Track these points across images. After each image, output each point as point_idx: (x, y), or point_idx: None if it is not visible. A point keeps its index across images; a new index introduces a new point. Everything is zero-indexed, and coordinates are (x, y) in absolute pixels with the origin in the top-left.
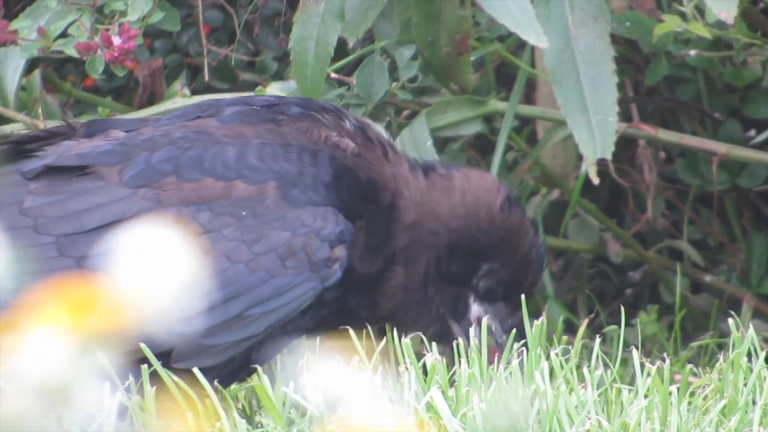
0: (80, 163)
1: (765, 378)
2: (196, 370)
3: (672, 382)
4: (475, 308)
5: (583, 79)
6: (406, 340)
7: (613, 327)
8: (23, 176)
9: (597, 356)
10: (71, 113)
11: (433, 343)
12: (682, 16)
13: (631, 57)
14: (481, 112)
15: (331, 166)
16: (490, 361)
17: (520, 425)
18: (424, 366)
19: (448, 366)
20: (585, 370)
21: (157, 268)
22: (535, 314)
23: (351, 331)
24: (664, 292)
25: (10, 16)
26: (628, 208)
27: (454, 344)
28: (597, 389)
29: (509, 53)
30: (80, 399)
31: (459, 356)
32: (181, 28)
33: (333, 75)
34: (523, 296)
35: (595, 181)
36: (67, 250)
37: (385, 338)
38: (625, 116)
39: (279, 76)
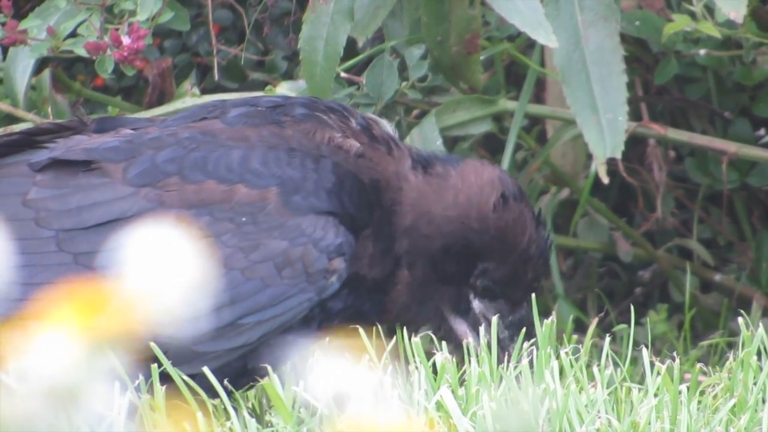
0: (86, 158)
1: None
2: (206, 369)
3: (682, 381)
4: (476, 305)
5: (593, 78)
6: (416, 339)
7: (623, 326)
8: (30, 167)
9: (607, 355)
10: (83, 113)
11: (443, 342)
12: (692, 15)
13: (640, 56)
14: (490, 112)
15: (334, 173)
16: (500, 360)
17: (530, 424)
18: (434, 365)
19: (458, 365)
20: (595, 369)
21: (153, 271)
22: (545, 313)
23: (361, 330)
24: (674, 291)
25: (20, 15)
26: (637, 207)
27: (464, 344)
28: (607, 388)
29: (519, 52)
30: (87, 398)
31: (469, 355)
32: (190, 28)
33: (342, 74)
34: (530, 294)
35: (605, 180)
36: (66, 246)
37: (395, 337)
38: (634, 115)
39: (288, 76)
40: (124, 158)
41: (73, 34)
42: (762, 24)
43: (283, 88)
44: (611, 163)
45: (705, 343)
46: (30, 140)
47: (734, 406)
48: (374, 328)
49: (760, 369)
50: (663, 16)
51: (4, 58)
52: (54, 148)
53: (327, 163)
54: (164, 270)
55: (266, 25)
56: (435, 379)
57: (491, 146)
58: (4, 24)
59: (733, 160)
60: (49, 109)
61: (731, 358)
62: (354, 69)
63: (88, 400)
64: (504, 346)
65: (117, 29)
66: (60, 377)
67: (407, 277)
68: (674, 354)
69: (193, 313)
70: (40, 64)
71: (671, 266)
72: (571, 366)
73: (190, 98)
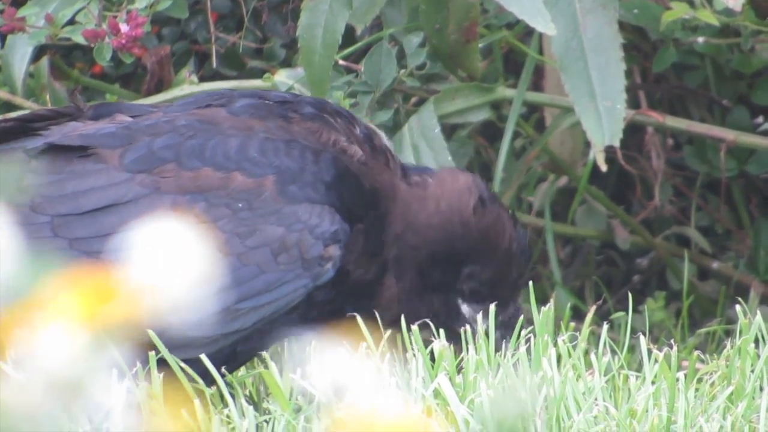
0: (82, 144)
1: None
2: (203, 357)
3: (679, 368)
4: (465, 309)
5: (591, 66)
6: (414, 327)
7: (621, 314)
8: (26, 153)
9: (604, 343)
10: (80, 99)
11: (441, 330)
12: (690, 3)
13: (639, 44)
14: (489, 99)
15: (334, 166)
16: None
17: (528, 412)
18: (432, 353)
19: (455, 353)
20: (592, 356)
21: (149, 257)
22: (542, 301)
23: (359, 318)
24: (672, 279)
25: (18, 3)
26: (635, 195)
27: (461, 331)
28: (604, 376)
29: (517, 40)
30: (84, 385)
31: (466, 343)
32: (189, 15)
33: (341, 62)
34: (517, 292)
35: (603, 168)
36: (61, 231)
37: None
38: (633, 103)
39: (287, 63)
40: (121, 144)
41: (72, 22)
42: (760, 12)
43: (282, 76)
44: (609, 150)
45: (702, 330)
46: (25, 126)
47: (732, 393)
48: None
49: (758, 356)
50: (661, 4)
51: (3, 46)
52: (49, 134)
53: (327, 156)
54: (160, 255)
55: (264, 12)
56: (432, 367)
57: (489, 134)
58: (2, 11)
59: (732, 147)
60: (48, 97)
61: (729, 346)
62: (352, 57)
63: (86, 386)
64: (498, 347)
65: (115, 17)
66: (55, 364)
67: (394, 287)
68: (672, 341)
69: (188, 298)
70: (39, 52)
71: (669, 254)
72: (569, 353)
73: (188, 86)
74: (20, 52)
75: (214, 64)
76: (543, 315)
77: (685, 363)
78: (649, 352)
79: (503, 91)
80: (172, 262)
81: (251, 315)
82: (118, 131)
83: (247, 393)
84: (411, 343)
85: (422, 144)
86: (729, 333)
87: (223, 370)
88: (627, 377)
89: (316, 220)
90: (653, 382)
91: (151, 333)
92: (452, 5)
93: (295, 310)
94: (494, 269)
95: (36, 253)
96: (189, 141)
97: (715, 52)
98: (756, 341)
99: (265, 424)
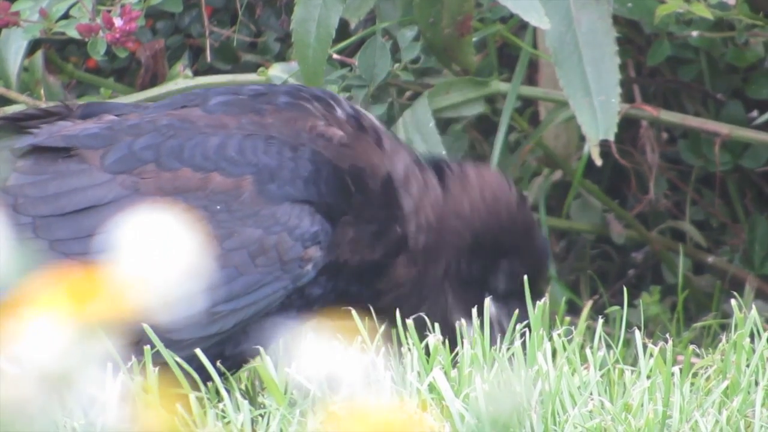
0: (65, 145)
1: None
2: (198, 351)
3: (674, 363)
4: (492, 310)
5: (585, 60)
6: (409, 321)
7: (616, 308)
8: (13, 153)
9: (600, 337)
10: (73, 94)
11: (436, 324)
12: None
13: (633, 38)
14: (483, 93)
15: (312, 161)
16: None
17: (523, 406)
18: (427, 347)
19: (450, 347)
20: (588, 350)
21: (127, 259)
22: (537, 295)
23: (354, 312)
24: (667, 273)
25: None
26: (630, 189)
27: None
28: (599, 370)
29: (511, 34)
30: (67, 384)
31: (461, 337)
32: (183, 9)
33: (335, 56)
34: (542, 294)
35: (598, 162)
36: (42, 232)
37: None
38: (627, 97)
39: (281, 57)
40: (103, 145)
41: (66, 16)
42: (754, 5)
43: (276, 70)
44: (604, 144)
45: (698, 324)
46: (15, 125)
47: (727, 388)
48: (367, 310)
49: (753, 351)
50: None
51: None
52: (38, 133)
53: (305, 151)
54: (138, 258)
55: (258, 6)
56: (428, 361)
57: (484, 128)
58: None
59: (726, 141)
60: (42, 91)
61: (724, 340)
62: (346, 51)
63: (66, 386)
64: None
65: (109, 11)
66: (37, 363)
67: (412, 271)
68: (667, 336)
69: (167, 300)
70: (33, 46)
71: (664, 248)
72: (564, 348)
73: (182, 80)
74: (14, 47)
75: (209, 58)
76: (538, 309)
77: (680, 357)
78: (645, 346)
79: (497, 85)
80: (150, 264)
81: (230, 318)
82: (101, 132)
83: (243, 387)
84: (406, 337)
85: (417, 138)
86: (724, 327)
87: (221, 368)
88: (622, 372)
89: (295, 221)
90: (648, 377)
91: (146, 327)
92: None
93: (290, 308)
94: (529, 266)
95: (17, 254)
96: (168, 141)
97: (709, 46)
98: (751, 336)
99: (260, 418)
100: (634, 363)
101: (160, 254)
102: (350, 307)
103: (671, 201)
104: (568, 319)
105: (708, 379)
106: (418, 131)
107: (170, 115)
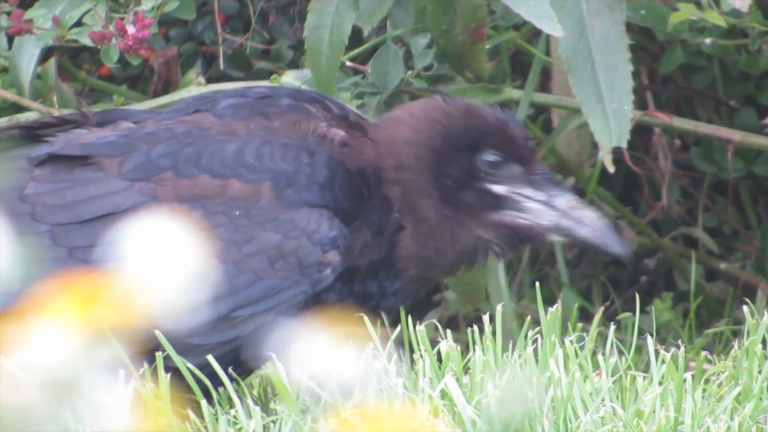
0: (82, 153)
1: None
2: (210, 357)
3: (686, 369)
4: (500, 189)
5: (598, 67)
6: (421, 327)
7: (628, 314)
8: (29, 162)
9: (612, 343)
10: (86, 101)
11: (448, 331)
12: (698, 4)
13: (646, 45)
14: (496, 100)
15: (327, 166)
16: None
17: (535, 412)
18: (439, 353)
19: (462, 353)
20: (600, 357)
21: (147, 265)
22: (550, 302)
23: (366, 319)
24: (679, 280)
25: (26, 5)
26: (643, 196)
27: (468, 331)
28: (612, 376)
29: (524, 42)
30: (80, 390)
31: (473, 344)
32: (196, 17)
33: (348, 63)
34: (533, 151)
35: (611, 169)
36: (61, 240)
37: (399, 325)
38: (640, 104)
39: (294, 65)
40: (120, 153)
41: (79, 24)
42: (767, 13)
43: (289, 77)
44: (617, 151)
45: (710, 331)
46: (31, 134)
47: (739, 394)
48: (378, 318)
49: (765, 357)
50: (669, 5)
51: (10, 48)
52: (54, 142)
53: (321, 156)
54: (158, 263)
55: (272, 14)
56: (440, 368)
57: None
58: (9, 13)
59: (739, 148)
60: (55, 98)
61: (736, 347)
62: (359, 58)
63: (81, 391)
64: (553, 204)
65: (122, 18)
66: (55, 369)
67: (408, 240)
68: (679, 342)
69: (187, 305)
70: (46, 53)
71: (676, 255)
72: (576, 354)
73: (195, 87)
74: (28, 54)
75: (222, 66)
76: (550, 316)
77: (692, 364)
78: (657, 352)
79: (510, 92)
80: (170, 270)
81: (249, 322)
82: (118, 140)
83: (255, 394)
84: (418, 343)
85: None
86: (736, 334)
87: (233, 374)
88: (634, 378)
89: (314, 226)
90: (660, 383)
91: (159, 334)
92: (459, 7)
93: (303, 312)
94: (499, 138)
95: (35, 260)
96: (186, 149)
97: (722, 53)
98: (763, 342)
99: (272, 424)
100: (646, 369)
101: (179, 260)
102: (362, 314)
103: (684, 208)
104: (580, 325)
105: (720, 385)
106: None
107: (186, 122)
